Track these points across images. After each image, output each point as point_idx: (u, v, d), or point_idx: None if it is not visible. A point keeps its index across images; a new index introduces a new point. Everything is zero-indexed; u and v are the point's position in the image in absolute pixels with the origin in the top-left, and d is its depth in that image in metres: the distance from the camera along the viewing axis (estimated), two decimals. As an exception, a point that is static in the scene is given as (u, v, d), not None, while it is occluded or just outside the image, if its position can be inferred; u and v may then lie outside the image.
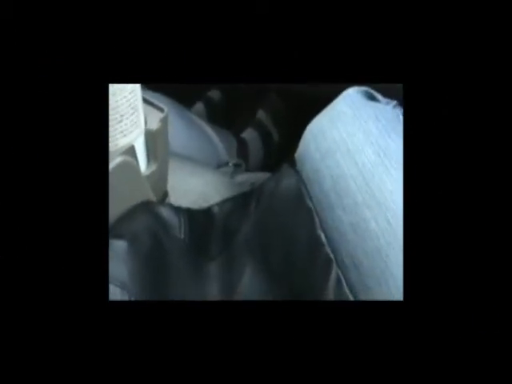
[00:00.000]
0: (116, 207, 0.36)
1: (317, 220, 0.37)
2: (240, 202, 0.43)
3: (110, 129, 0.35)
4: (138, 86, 0.36)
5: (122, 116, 0.35)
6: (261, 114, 0.89)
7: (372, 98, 0.41)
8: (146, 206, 0.39)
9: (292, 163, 0.42)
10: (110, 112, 0.34)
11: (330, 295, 0.35)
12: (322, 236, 0.37)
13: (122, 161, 0.35)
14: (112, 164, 0.35)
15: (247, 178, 0.57)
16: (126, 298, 0.32)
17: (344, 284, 0.35)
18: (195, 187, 0.48)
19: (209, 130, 0.69)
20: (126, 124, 0.36)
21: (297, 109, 0.84)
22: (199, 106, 0.90)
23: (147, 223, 0.37)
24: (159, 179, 0.42)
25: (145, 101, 0.39)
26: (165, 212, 0.40)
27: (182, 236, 0.40)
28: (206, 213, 0.43)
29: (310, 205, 0.38)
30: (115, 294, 0.32)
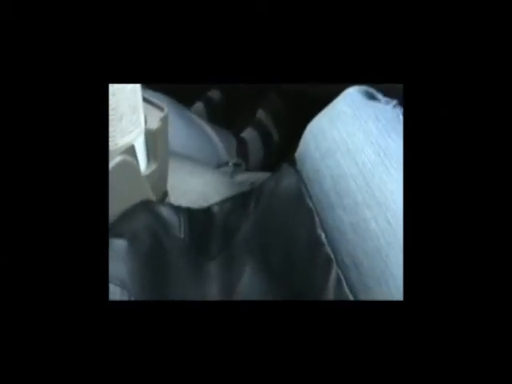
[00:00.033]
0: (116, 206, 0.36)
1: (317, 220, 0.37)
2: (240, 201, 0.43)
3: (110, 128, 0.35)
4: (138, 86, 0.36)
5: (122, 115, 0.35)
6: (260, 114, 0.88)
7: (372, 97, 0.41)
8: (145, 206, 0.39)
9: (292, 163, 0.42)
10: (110, 112, 0.34)
11: (330, 295, 0.35)
12: (322, 236, 0.37)
13: (122, 160, 0.35)
14: (112, 163, 0.35)
15: (247, 178, 0.57)
16: (125, 297, 0.32)
17: (344, 284, 0.35)
18: (195, 187, 0.48)
19: (208, 129, 0.69)
20: (126, 123, 0.36)
21: (297, 108, 0.84)
22: (199, 105, 0.90)
23: (147, 222, 0.37)
24: (159, 179, 0.42)
25: (145, 100, 0.39)
26: (165, 211, 0.40)
27: (182, 235, 0.40)
28: (206, 212, 0.43)
29: (310, 204, 0.38)
30: (115, 293, 0.32)
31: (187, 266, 0.39)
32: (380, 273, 0.32)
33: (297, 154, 0.42)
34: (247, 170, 0.71)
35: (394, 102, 0.40)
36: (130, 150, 0.36)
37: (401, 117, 0.38)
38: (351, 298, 0.34)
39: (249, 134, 0.83)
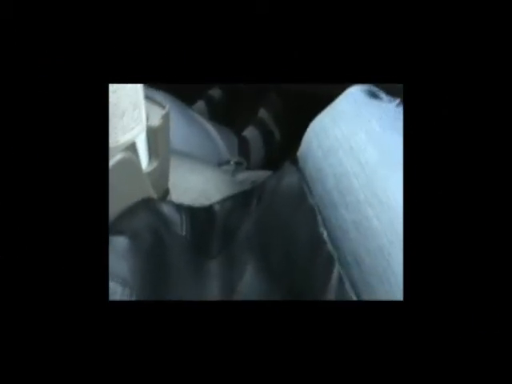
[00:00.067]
0: (117, 204, 0.36)
1: (319, 218, 0.37)
2: (241, 200, 0.43)
3: (112, 125, 0.35)
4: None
5: (123, 112, 0.35)
6: (262, 113, 0.88)
7: (375, 96, 0.41)
8: (147, 203, 0.38)
9: (294, 161, 0.42)
10: (112, 108, 0.34)
11: (332, 293, 0.34)
12: (324, 234, 0.37)
13: (123, 157, 0.35)
14: (113, 161, 0.34)
15: (248, 177, 0.56)
16: (127, 295, 0.32)
17: (346, 282, 0.35)
18: (196, 185, 0.48)
19: (210, 127, 0.69)
20: (127, 120, 0.35)
21: (298, 108, 0.84)
22: (200, 104, 0.90)
23: (148, 220, 0.37)
24: (160, 176, 0.41)
25: (146, 97, 0.39)
26: (166, 209, 0.40)
27: (184, 233, 0.40)
28: (207, 211, 0.42)
29: (312, 203, 0.38)
30: (116, 291, 0.32)
31: (188, 265, 0.38)
32: (382, 271, 0.32)
33: (299, 153, 0.42)
34: (248, 168, 0.70)
35: (397, 100, 0.40)
36: (132, 148, 0.36)
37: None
38: (353, 296, 0.34)
39: (250, 132, 0.83)
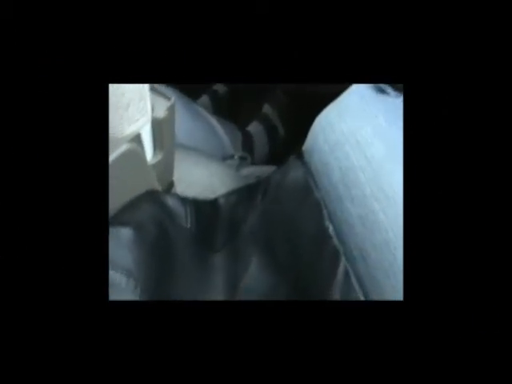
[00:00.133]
0: (121, 195, 0.36)
1: (325, 212, 0.37)
2: (246, 193, 0.43)
3: (117, 117, 0.34)
4: None
5: (128, 103, 0.35)
6: (266, 109, 0.88)
7: (381, 91, 0.41)
8: (151, 195, 0.38)
9: (299, 155, 0.42)
10: (117, 99, 0.34)
11: (338, 288, 0.34)
12: (330, 228, 0.36)
13: (128, 149, 0.35)
14: (118, 152, 0.34)
15: (252, 172, 0.56)
16: (131, 286, 0.32)
17: (352, 277, 0.34)
18: (201, 178, 0.48)
19: (214, 122, 0.69)
20: (132, 111, 0.35)
21: (302, 104, 0.84)
22: (205, 98, 0.89)
23: (153, 212, 0.37)
24: (165, 169, 0.41)
25: (151, 89, 0.38)
26: (171, 201, 0.40)
27: (188, 226, 0.39)
28: (212, 204, 0.42)
29: (318, 197, 0.38)
30: (120, 282, 0.31)
31: (193, 258, 0.38)
32: (388, 265, 0.32)
33: (304, 147, 0.42)
34: (252, 163, 0.70)
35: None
36: (137, 139, 0.36)
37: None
38: (359, 290, 0.34)
39: (254, 128, 0.83)
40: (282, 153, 0.81)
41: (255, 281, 0.38)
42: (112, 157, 0.34)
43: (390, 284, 0.32)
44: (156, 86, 0.39)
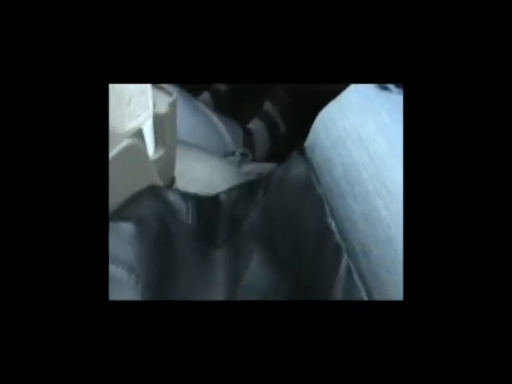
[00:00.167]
0: (123, 190, 0.36)
1: (327, 208, 0.37)
2: (247, 190, 0.43)
3: (118, 112, 0.34)
4: None
5: (130, 98, 0.35)
6: (268, 106, 0.88)
7: (384, 87, 0.40)
8: (153, 191, 0.38)
9: (301, 151, 0.42)
10: (119, 94, 0.33)
11: (340, 284, 0.34)
12: (333, 224, 0.36)
13: (130, 144, 0.35)
14: (119, 147, 0.34)
15: (254, 168, 0.56)
16: (132, 281, 0.32)
17: (354, 273, 0.34)
18: (202, 174, 0.48)
19: (215, 119, 0.69)
20: (134, 107, 0.35)
21: (304, 101, 0.83)
22: (206, 95, 0.89)
23: (154, 208, 0.37)
24: (167, 164, 0.41)
25: (153, 85, 0.38)
26: (172, 197, 0.39)
27: (190, 221, 0.39)
28: (213, 200, 0.42)
29: (320, 193, 0.38)
30: (122, 277, 0.31)
31: (194, 253, 0.38)
32: (390, 262, 0.32)
33: (306, 143, 0.41)
34: (254, 161, 0.70)
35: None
36: (138, 134, 0.36)
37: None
38: (361, 287, 0.34)
39: (255, 125, 0.83)
40: (283, 150, 0.80)
41: (256, 277, 0.38)
42: (113, 152, 0.34)
43: (392, 280, 0.31)
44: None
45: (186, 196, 0.41)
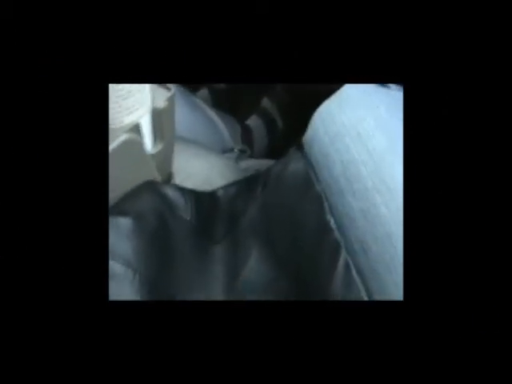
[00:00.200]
0: (120, 185, 0.36)
1: (326, 205, 0.37)
2: (246, 185, 0.43)
3: (116, 105, 0.34)
4: None
5: (128, 92, 0.34)
6: (266, 103, 0.88)
7: (383, 85, 0.40)
8: (151, 186, 0.38)
9: (299, 147, 0.41)
10: (117, 88, 0.33)
11: (338, 281, 0.34)
12: (331, 221, 0.36)
13: (128, 138, 0.35)
14: (117, 141, 0.34)
15: (252, 165, 0.56)
16: (129, 276, 0.31)
17: (353, 270, 0.34)
18: (200, 170, 0.48)
19: (213, 115, 0.68)
20: (132, 101, 0.35)
21: (302, 98, 0.83)
22: (204, 92, 0.89)
23: (153, 203, 0.37)
24: (165, 159, 0.41)
25: None
26: (170, 192, 0.39)
27: (189, 217, 0.39)
28: (212, 196, 0.42)
29: (319, 189, 0.38)
30: (119, 272, 0.31)
31: (192, 248, 0.38)
32: (389, 259, 0.31)
33: (304, 139, 0.41)
34: (252, 157, 0.70)
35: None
36: (136, 129, 0.36)
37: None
38: (360, 284, 0.34)
39: (253, 121, 0.82)
40: (282, 146, 0.80)
41: (255, 273, 0.38)
42: (111, 146, 0.33)
43: (391, 277, 0.31)
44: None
45: (184, 191, 0.40)
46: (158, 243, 0.35)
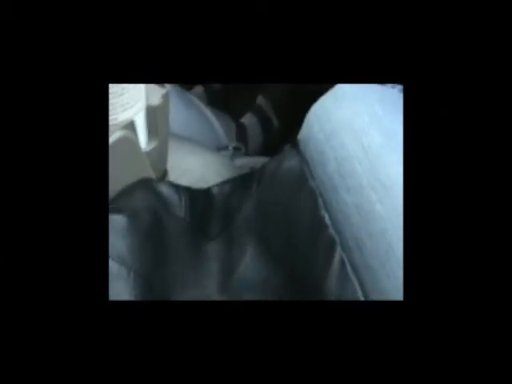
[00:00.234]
0: (115, 182, 0.36)
1: (320, 201, 0.37)
2: (240, 183, 0.43)
3: (111, 103, 0.34)
4: None
5: (123, 89, 0.34)
6: (260, 100, 0.88)
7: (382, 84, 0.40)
8: (146, 183, 0.38)
9: (294, 145, 0.41)
10: (111, 85, 0.33)
11: (333, 277, 0.34)
12: (326, 218, 0.36)
13: (122, 135, 0.35)
14: (111, 139, 0.34)
15: (247, 163, 0.56)
16: (124, 273, 0.31)
17: (348, 266, 0.34)
18: (195, 167, 0.47)
19: (208, 112, 0.68)
20: (127, 98, 0.35)
21: (297, 95, 0.83)
22: (199, 89, 0.89)
23: (147, 200, 0.37)
24: (159, 157, 0.41)
25: None
26: (165, 190, 0.39)
27: (183, 214, 0.39)
28: (206, 193, 0.42)
29: (313, 186, 0.38)
30: (113, 270, 0.31)
31: (187, 245, 0.38)
32: (384, 254, 0.32)
33: (299, 136, 0.41)
34: (246, 154, 0.70)
35: (400, 86, 0.40)
36: (130, 126, 0.36)
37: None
38: (354, 280, 0.34)
39: (248, 119, 0.82)
40: (276, 144, 0.80)
41: (250, 270, 0.38)
42: (105, 143, 0.33)
43: (386, 273, 0.31)
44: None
45: (178, 189, 0.40)
46: (153, 240, 0.35)
